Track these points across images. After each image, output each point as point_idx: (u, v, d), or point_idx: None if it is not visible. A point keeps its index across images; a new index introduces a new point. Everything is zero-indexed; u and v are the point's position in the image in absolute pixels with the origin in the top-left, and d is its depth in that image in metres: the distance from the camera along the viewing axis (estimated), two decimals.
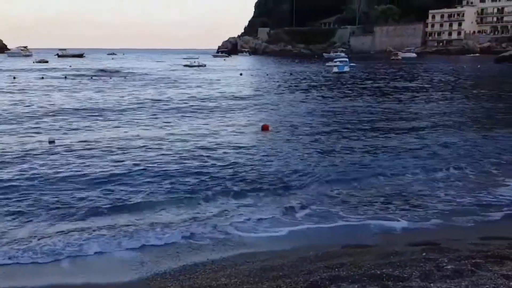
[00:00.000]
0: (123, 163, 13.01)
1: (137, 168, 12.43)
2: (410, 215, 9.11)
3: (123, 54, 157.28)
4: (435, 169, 12.50)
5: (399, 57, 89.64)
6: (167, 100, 29.26)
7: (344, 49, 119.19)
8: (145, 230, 8.35)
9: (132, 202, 9.76)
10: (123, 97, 30.66)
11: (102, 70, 59.35)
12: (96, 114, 22.73)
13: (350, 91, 34.08)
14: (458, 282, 4.87)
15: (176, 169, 12.36)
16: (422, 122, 20.24)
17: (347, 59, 63.04)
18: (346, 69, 54.68)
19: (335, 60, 67.41)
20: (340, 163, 13.09)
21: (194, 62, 79.75)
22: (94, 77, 49.07)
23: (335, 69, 54.98)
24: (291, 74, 56.68)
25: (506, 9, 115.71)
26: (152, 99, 29.33)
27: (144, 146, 15.28)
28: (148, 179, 11.42)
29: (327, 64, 65.60)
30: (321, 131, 18.23)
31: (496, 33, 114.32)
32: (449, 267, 5.38)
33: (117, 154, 14.10)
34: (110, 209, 9.41)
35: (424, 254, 5.98)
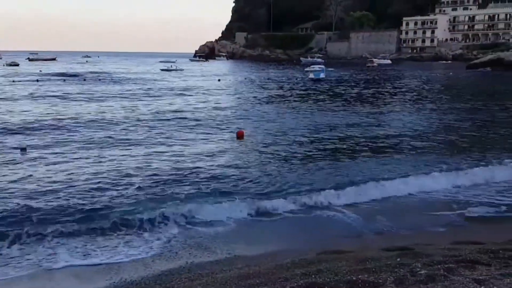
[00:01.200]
0: (96, 174, 12.75)
1: (108, 177, 12.18)
2: (385, 220, 9.28)
3: (98, 57, 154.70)
4: (407, 174, 12.78)
5: (375, 64, 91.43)
6: (142, 104, 28.93)
7: (321, 55, 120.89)
8: (119, 239, 8.20)
9: (105, 212, 9.55)
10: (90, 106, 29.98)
11: (73, 75, 57.46)
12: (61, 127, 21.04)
13: (325, 98, 34.49)
14: (431, 287, 4.99)
15: (147, 178, 12.20)
16: (393, 130, 20.64)
17: (323, 66, 63.84)
18: (322, 75, 55.38)
19: (311, 66, 68.25)
20: (315, 169, 13.20)
21: (171, 66, 79.18)
22: (63, 81, 48.00)
23: (311, 75, 55.63)
24: (268, 79, 57.04)
25: (476, 18, 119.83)
26: (125, 106, 28.87)
27: (116, 154, 15.01)
28: (121, 188, 11.22)
29: (305, 69, 66.33)
30: (296, 138, 18.34)
31: (467, 40, 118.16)
32: (422, 272, 5.50)
33: (88, 166, 13.81)
34: (81, 219, 9.17)
35: (398, 259, 6.10)
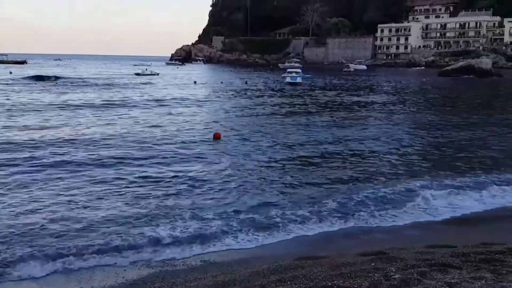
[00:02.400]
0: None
1: (75, 183, 11.89)
2: (360, 226, 9.37)
3: (70, 60, 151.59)
4: (377, 180, 12.94)
5: (351, 69, 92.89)
6: (115, 108, 28.43)
7: (298, 60, 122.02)
8: (81, 249, 7.87)
9: (67, 222, 9.24)
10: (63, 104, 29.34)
11: (40, 78, 55.39)
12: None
13: (302, 103, 34.80)
14: None
15: (118, 182, 11.98)
16: (367, 133, 20.99)
17: (300, 70, 64.49)
18: (299, 80, 55.84)
19: (288, 70, 68.80)
20: (290, 175, 13.20)
21: (146, 70, 78.18)
22: (30, 85, 46.64)
23: (288, 80, 56.03)
24: (246, 82, 57.14)
25: (448, 26, 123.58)
26: (97, 107, 28.35)
27: (88, 159, 14.69)
28: (89, 196, 10.95)
29: (282, 75, 66.81)
30: (273, 140, 18.41)
31: (439, 47, 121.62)
32: (396, 276, 5.57)
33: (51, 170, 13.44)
34: (31, 228, 8.78)
35: (373, 264, 6.15)
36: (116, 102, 31.81)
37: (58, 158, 14.34)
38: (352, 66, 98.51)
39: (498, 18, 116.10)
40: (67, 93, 38.92)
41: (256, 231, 8.95)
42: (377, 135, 20.31)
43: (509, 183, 12.55)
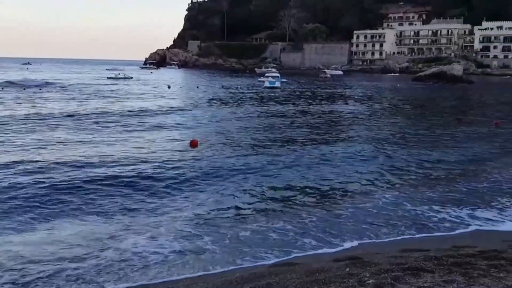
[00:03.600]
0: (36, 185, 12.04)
1: (44, 190, 11.53)
2: (334, 231, 9.41)
3: (40, 65, 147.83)
4: (352, 183, 13.06)
5: (328, 75, 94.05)
6: (85, 115, 27.78)
7: (275, 65, 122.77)
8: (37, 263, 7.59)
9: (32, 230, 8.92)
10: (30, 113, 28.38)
11: (9, 82, 53.71)
12: None
13: (280, 107, 34.98)
14: None
15: (90, 191, 11.74)
16: (341, 137, 21.26)
17: (278, 75, 64.98)
18: (277, 84, 56.16)
19: (266, 75, 69.20)
20: (269, 181, 13.19)
21: (119, 74, 77.05)
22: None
23: (267, 84, 56.26)
24: (222, 87, 57.03)
25: (421, 33, 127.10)
26: (68, 114, 27.63)
27: (56, 167, 14.28)
28: (55, 205, 10.62)
29: (259, 79, 67.03)
30: (251, 147, 18.38)
31: (413, 54, 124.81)
32: (370, 281, 5.60)
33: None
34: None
35: (347, 269, 6.18)
36: (87, 110, 31.06)
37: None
38: (329, 72, 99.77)
39: (468, 26, 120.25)
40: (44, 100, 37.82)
41: (231, 239, 8.86)
42: (353, 139, 20.59)
43: None
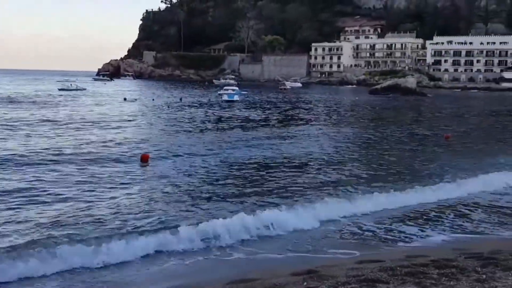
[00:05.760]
0: None
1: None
2: (290, 245, 9.56)
3: None
4: (309, 196, 13.35)
5: (287, 87, 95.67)
6: (30, 125, 26.76)
7: (234, 76, 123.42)
8: None
9: None
10: None
11: None
12: None
13: (238, 121, 35.10)
14: None
15: (34, 206, 11.33)
16: (300, 155, 21.68)
17: (237, 88, 65.17)
18: (236, 98, 56.44)
19: (225, 88, 69.35)
20: (221, 196, 13.16)
21: (71, 85, 74.78)
22: None
23: (225, 97, 56.43)
24: (180, 100, 56.60)
25: (376, 46, 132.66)
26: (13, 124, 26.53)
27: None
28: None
29: (218, 92, 67.18)
30: (204, 162, 18.24)
31: (369, 67, 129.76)
32: None
33: None
34: None
35: (305, 283, 6.32)
36: (33, 121, 29.92)
37: None
38: (288, 84, 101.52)
39: (421, 41, 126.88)
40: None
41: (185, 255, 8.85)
42: (312, 150, 21.04)
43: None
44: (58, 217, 10.72)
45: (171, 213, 11.38)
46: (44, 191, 12.93)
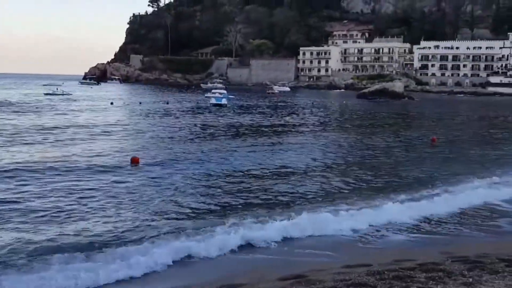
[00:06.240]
0: None
1: None
2: (277, 250, 9.56)
3: None
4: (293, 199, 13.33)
5: (275, 91, 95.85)
6: (16, 133, 26.36)
7: (221, 80, 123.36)
8: None
9: None
10: None
11: None
12: None
13: (227, 125, 35.01)
14: None
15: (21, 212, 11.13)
16: (291, 155, 21.72)
17: (225, 92, 64.95)
18: (224, 101, 56.38)
19: (213, 91, 69.16)
20: (208, 202, 13.11)
21: (57, 89, 74.00)
22: None
23: (213, 101, 56.36)
24: (167, 103, 56.37)
25: (364, 50, 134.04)
26: None
27: None
28: None
29: (206, 95, 66.80)
30: (194, 164, 18.25)
31: (357, 71, 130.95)
32: None
33: None
34: None
35: None
36: (22, 127, 29.51)
37: None
38: (276, 88, 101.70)
39: (408, 45, 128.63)
40: None
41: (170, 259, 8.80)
42: (301, 157, 21.04)
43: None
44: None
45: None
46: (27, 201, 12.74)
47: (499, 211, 13.14)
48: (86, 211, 11.80)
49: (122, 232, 10.34)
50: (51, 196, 13.02)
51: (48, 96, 65.42)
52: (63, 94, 69.48)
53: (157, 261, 8.59)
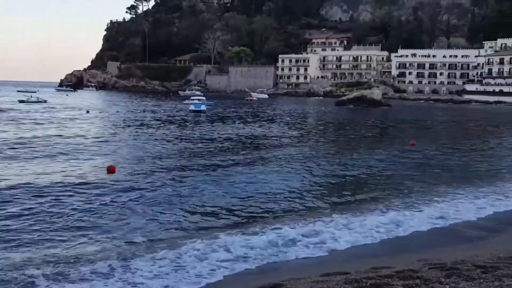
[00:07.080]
0: None
1: None
2: (253, 258, 9.50)
3: None
4: (275, 204, 13.32)
5: (254, 98, 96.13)
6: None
7: (200, 88, 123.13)
8: None
9: None
10: None
11: None
12: None
13: (204, 131, 34.90)
14: None
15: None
16: (270, 165, 21.70)
17: (204, 98, 64.72)
18: (203, 108, 56.28)
19: (192, 98, 68.88)
20: (188, 210, 13.00)
21: (31, 96, 72.37)
22: None
23: (192, 107, 56.16)
24: (143, 111, 55.80)
25: (343, 58, 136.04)
26: None
27: None
28: None
29: (184, 102, 66.35)
30: (170, 172, 18.03)
31: (336, 78, 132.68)
32: None
33: None
34: None
35: None
36: None
37: None
38: (255, 95, 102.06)
39: (386, 53, 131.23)
40: None
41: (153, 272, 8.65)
42: (280, 165, 21.02)
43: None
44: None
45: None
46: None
47: (473, 222, 13.24)
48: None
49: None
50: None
51: (23, 104, 63.87)
52: (38, 102, 68.02)
53: None
